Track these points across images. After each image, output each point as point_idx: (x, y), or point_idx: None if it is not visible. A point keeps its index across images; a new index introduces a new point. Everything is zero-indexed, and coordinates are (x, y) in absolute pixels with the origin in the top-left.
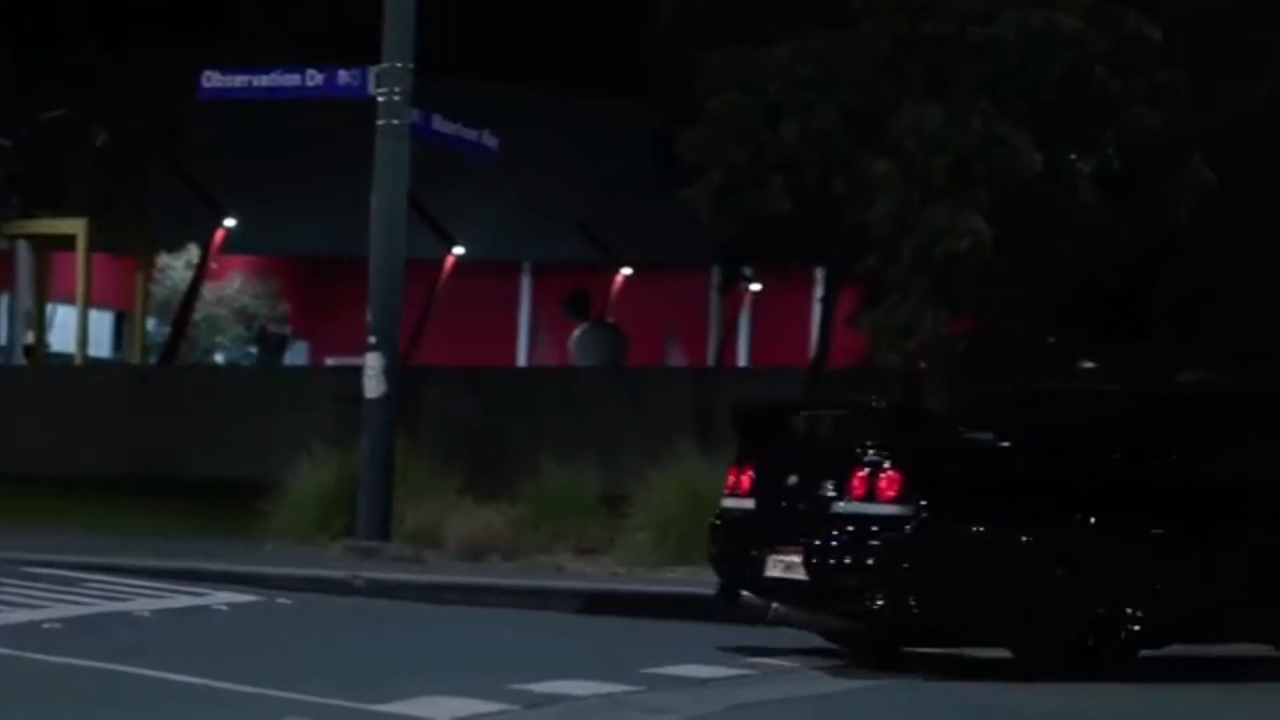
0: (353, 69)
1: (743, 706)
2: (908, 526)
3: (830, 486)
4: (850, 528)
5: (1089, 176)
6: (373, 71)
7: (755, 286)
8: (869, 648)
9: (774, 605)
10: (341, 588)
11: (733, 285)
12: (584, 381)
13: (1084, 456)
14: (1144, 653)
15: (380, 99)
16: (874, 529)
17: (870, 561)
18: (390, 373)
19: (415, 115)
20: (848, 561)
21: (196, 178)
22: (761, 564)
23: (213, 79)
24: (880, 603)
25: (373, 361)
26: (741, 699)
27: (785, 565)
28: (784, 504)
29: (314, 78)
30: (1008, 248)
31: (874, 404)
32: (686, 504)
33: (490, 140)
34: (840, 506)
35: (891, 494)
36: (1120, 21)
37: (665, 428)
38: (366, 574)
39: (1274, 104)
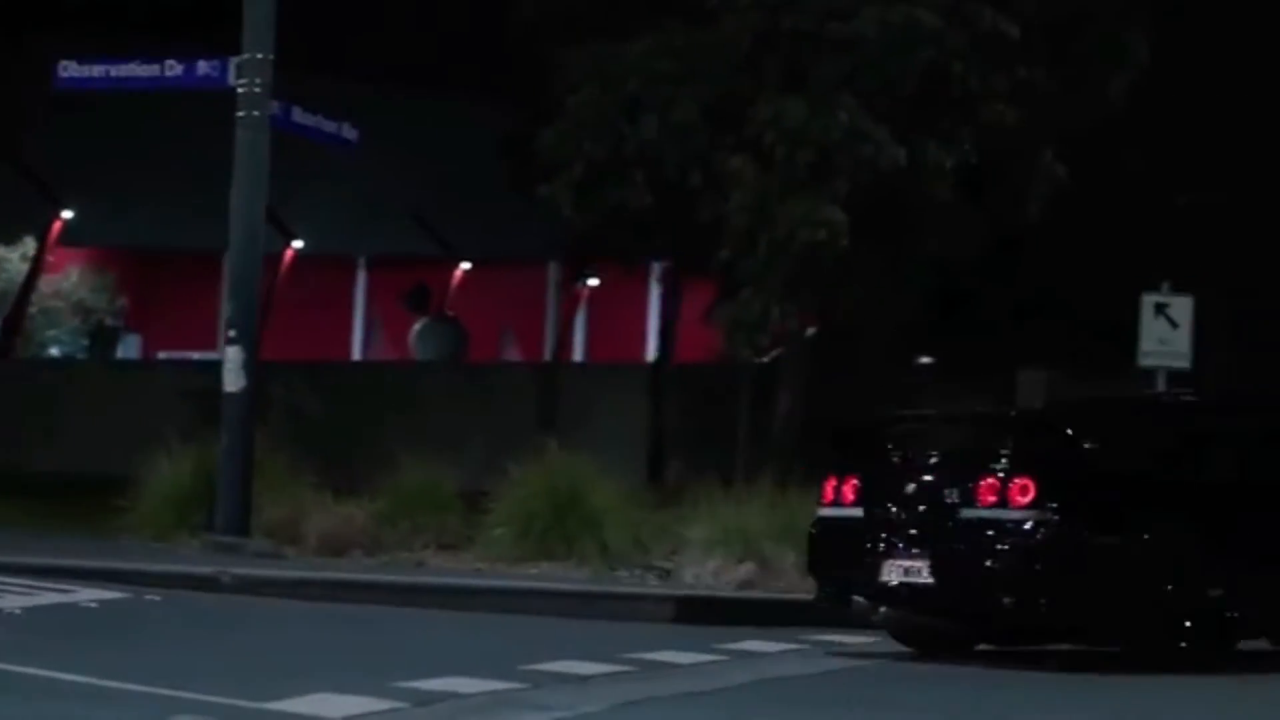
0: (212, 60)
1: (633, 703)
2: (1040, 532)
3: (956, 494)
4: (982, 533)
5: (947, 172)
6: (233, 63)
7: (593, 282)
8: (944, 646)
9: (882, 608)
10: (208, 584)
11: (576, 281)
12: (429, 376)
13: (1192, 462)
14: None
15: (240, 90)
16: (1007, 534)
17: (1003, 565)
18: (249, 367)
19: (275, 107)
20: (980, 565)
21: (34, 169)
22: (876, 569)
23: (70, 69)
24: (1011, 603)
25: (232, 355)
26: (630, 695)
27: (905, 570)
28: (900, 512)
29: (173, 68)
30: (865, 241)
31: (1008, 413)
32: (548, 500)
33: (350, 133)
34: (969, 513)
35: (1025, 501)
36: (978, 19)
37: (511, 423)
38: (234, 570)
39: (1129, 101)
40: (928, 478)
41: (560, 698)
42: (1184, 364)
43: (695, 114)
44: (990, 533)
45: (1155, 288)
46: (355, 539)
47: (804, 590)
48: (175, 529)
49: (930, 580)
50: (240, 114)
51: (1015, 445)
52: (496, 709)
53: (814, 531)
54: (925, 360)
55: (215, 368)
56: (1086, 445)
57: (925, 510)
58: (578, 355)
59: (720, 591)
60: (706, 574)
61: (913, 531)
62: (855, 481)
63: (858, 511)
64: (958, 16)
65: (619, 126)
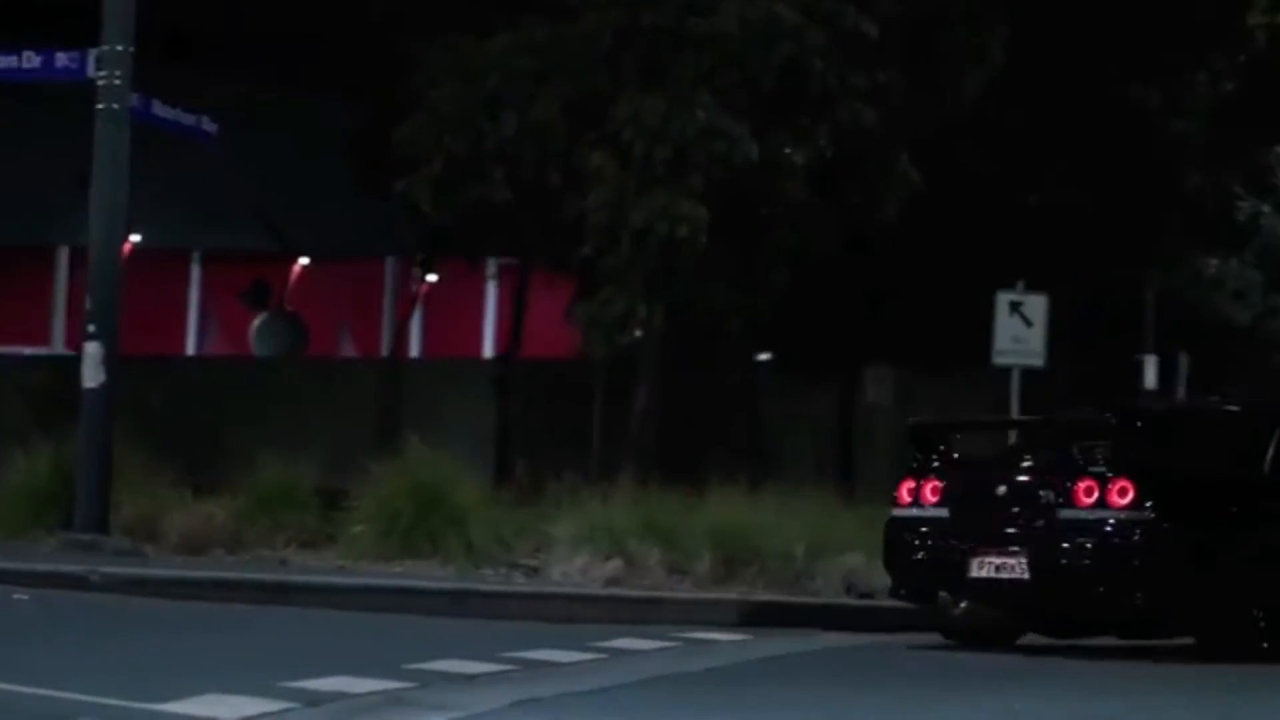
0: (71, 52)
1: (526, 702)
2: (1138, 531)
3: (1052, 495)
4: (1082, 532)
5: (803, 169)
6: (92, 54)
7: (431, 278)
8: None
9: (963, 603)
10: (77, 582)
11: (415, 277)
12: (270, 372)
13: (1266, 463)
14: None
15: (100, 82)
16: (1106, 533)
17: (1102, 562)
18: (110, 362)
19: (135, 100)
20: (1079, 562)
21: None
22: (965, 566)
23: None
24: (1107, 597)
25: (92, 351)
26: (520, 694)
27: (997, 566)
28: (992, 513)
29: (31, 60)
30: (722, 237)
31: (1106, 417)
32: (411, 497)
33: (210, 126)
34: (1068, 513)
35: (1124, 502)
36: (839, 17)
37: (356, 419)
38: (104, 569)
39: (983, 100)
40: (1021, 479)
41: (453, 697)
42: (1037, 362)
43: (555, 111)
44: (1090, 532)
45: (1010, 286)
46: (216, 537)
47: (669, 588)
48: (31, 526)
49: (1026, 576)
50: (100, 107)
51: (1114, 449)
52: (390, 708)
53: (892, 531)
54: (764, 357)
55: (48, 363)
56: (1177, 449)
57: (1020, 510)
58: (414, 351)
59: (588, 589)
60: (574, 571)
61: (1008, 530)
62: (937, 483)
63: (942, 512)
64: (818, 14)
65: (479, 123)
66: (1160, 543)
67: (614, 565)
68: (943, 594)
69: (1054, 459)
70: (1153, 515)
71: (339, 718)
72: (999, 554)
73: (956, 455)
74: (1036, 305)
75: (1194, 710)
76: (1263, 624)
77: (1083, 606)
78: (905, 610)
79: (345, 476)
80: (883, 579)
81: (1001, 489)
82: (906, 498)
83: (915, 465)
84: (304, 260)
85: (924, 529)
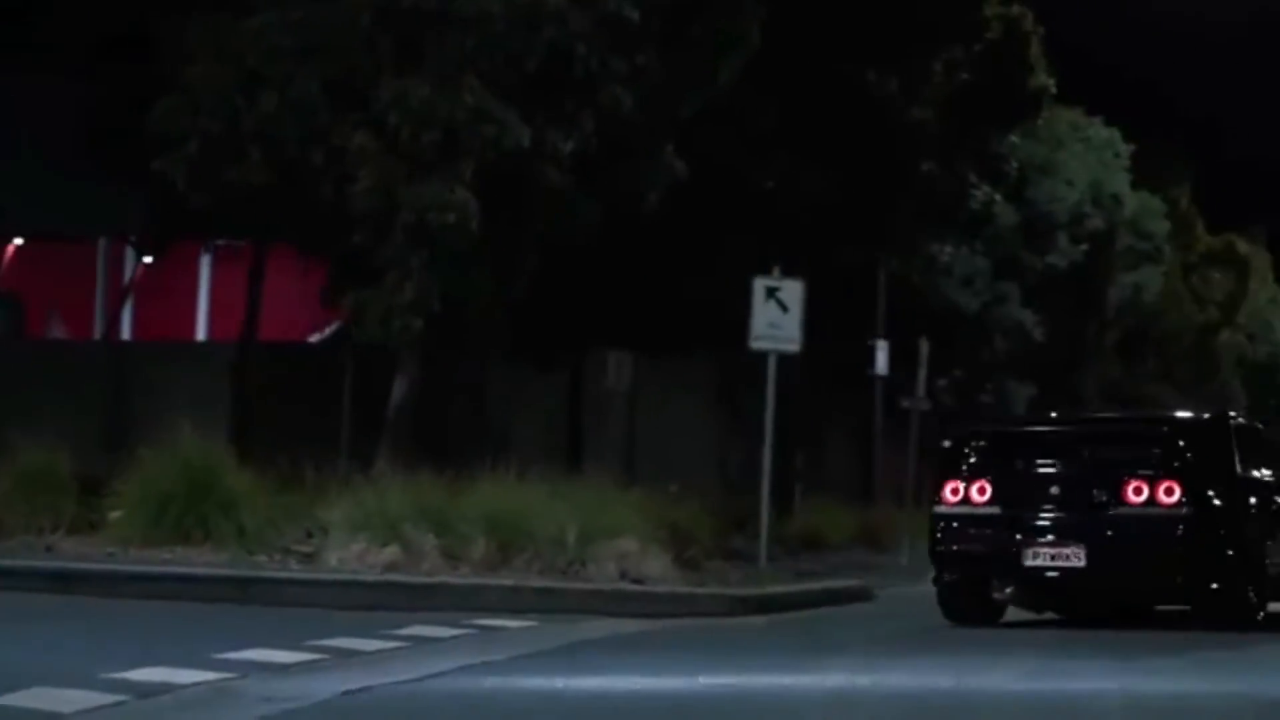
0: None
1: (355, 691)
2: (1183, 525)
3: (1105, 494)
4: (1134, 525)
5: (568, 156)
6: None
7: (147, 259)
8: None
9: (1009, 589)
10: None
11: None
12: None
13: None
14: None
15: None
16: (1155, 526)
17: (1151, 551)
18: None
19: None
20: (1131, 551)
21: None
22: (1019, 556)
23: None
24: (1155, 581)
25: None
26: (349, 683)
27: (1053, 555)
28: (1047, 508)
29: None
30: (492, 224)
31: (1158, 425)
32: (182, 482)
33: None
34: (1120, 510)
35: (1171, 500)
36: (601, 0)
37: (84, 403)
38: None
39: (738, 89)
40: (1075, 479)
41: (277, 686)
42: (794, 348)
43: (317, 91)
44: (1141, 525)
45: (752, 271)
46: None
47: (445, 573)
48: None
49: (1083, 564)
50: None
51: (1163, 454)
52: (222, 700)
53: (941, 526)
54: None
55: None
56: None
57: (1075, 507)
58: (126, 334)
59: (368, 575)
60: (350, 558)
61: (1064, 524)
62: (985, 482)
63: (993, 509)
64: None
65: (237, 102)
66: (1202, 535)
67: (391, 551)
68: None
69: (1108, 462)
70: (1195, 510)
71: (174, 711)
72: (1058, 545)
73: (1004, 459)
74: (793, 291)
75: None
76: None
77: (1131, 589)
78: (681, 595)
79: (90, 460)
80: (656, 565)
81: (1055, 489)
82: (952, 497)
83: (965, 468)
84: (18, 241)
85: (973, 524)
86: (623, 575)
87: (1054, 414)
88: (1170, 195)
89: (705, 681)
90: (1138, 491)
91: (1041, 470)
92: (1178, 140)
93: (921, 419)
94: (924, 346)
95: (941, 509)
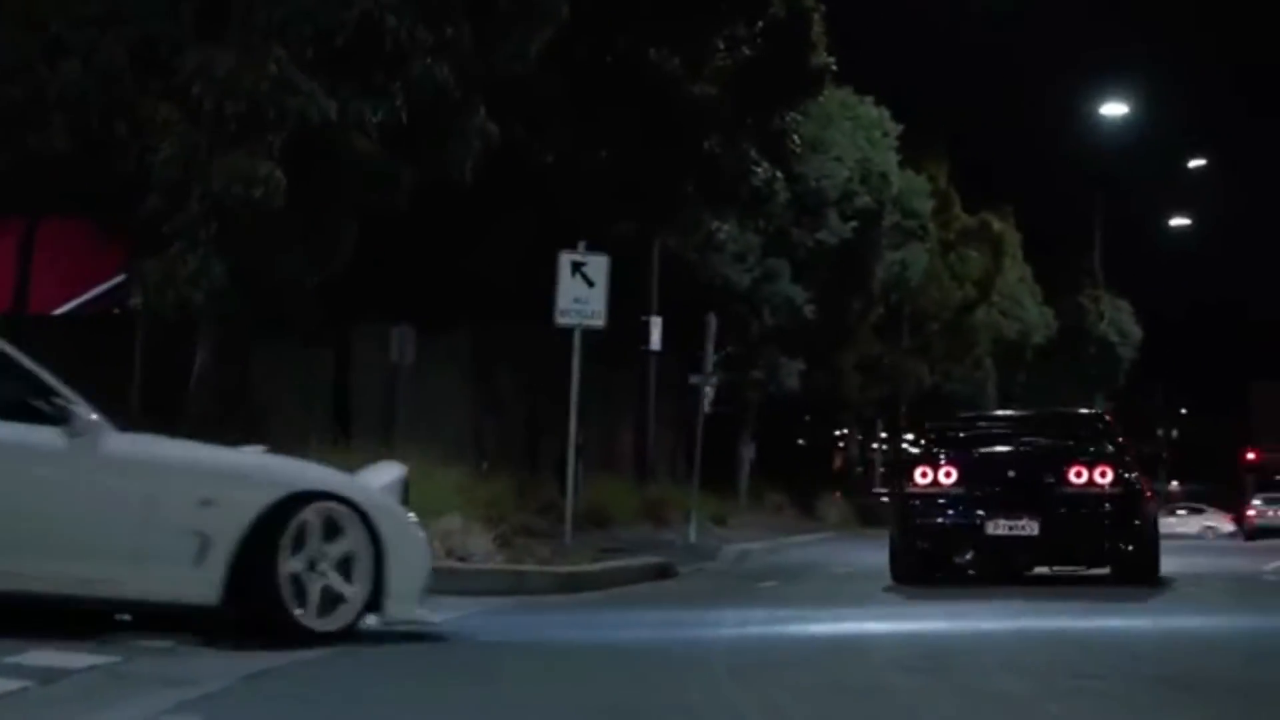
0: None
1: (257, 675)
2: (1114, 501)
3: (1053, 475)
4: (1078, 501)
5: (377, 127)
6: None
7: None
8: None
9: (969, 553)
10: None
11: None
12: None
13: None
14: None
15: None
16: (1094, 502)
17: (1092, 521)
18: None
19: None
20: (1075, 521)
21: None
22: (983, 527)
23: None
24: (1094, 544)
25: None
26: (252, 666)
27: (1011, 526)
28: (1005, 488)
29: None
30: (298, 197)
31: (1088, 418)
32: None
33: None
34: (1064, 489)
35: (1105, 481)
36: None
37: None
38: None
39: (546, 60)
40: (1028, 463)
41: (175, 670)
42: (599, 323)
43: (122, 59)
44: (1083, 501)
45: (545, 247)
46: None
47: None
48: None
49: (1037, 533)
50: None
51: (1097, 443)
52: (123, 685)
53: (914, 504)
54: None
55: None
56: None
57: (1029, 486)
58: None
59: None
60: None
61: (1020, 500)
62: (951, 467)
63: (960, 489)
64: None
65: (40, 70)
66: (1129, 507)
67: None
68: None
69: (1052, 449)
70: (1122, 489)
71: (80, 693)
72: (1015, 517)
73: (963, 446)
74: (599, 266)
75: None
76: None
77: (1074, 552)
78: (509, 573)
79: None
80: (479, 543)
81: (1012, 472)
82: (921, 479)
83: (929, 453)
84: None
85: (940, 501)
86: (449, 553)
87: (1003, 410)
88: (930, 174)
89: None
90: (1079, 474)
91: (998, 456)
92: (935, 120)
93: (682, 395)
94: (712, 322)
95: (912, 489)
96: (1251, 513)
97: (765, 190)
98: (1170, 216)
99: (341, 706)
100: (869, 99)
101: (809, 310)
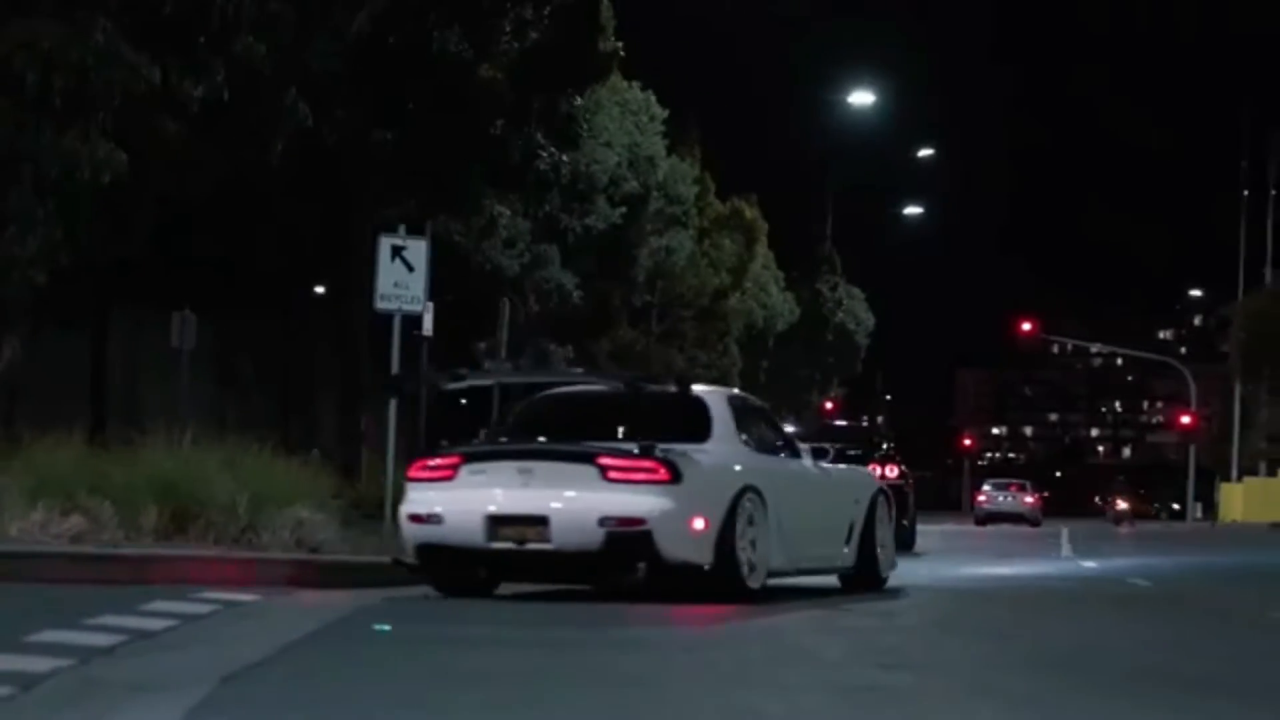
0: None
1: (232, 678)
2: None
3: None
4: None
5: (198, 103)
6: None
7: None
8: None
9: None
10: None
11: None
12: None
13: None
14: None
15: None
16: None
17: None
18: None
19: None
20: None
21: None
22: None
23: None
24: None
25: None
26: (221, 668)
27: None
28: None
29: None
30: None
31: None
32: None
33: None
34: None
35: (896, 474)
36: None
37: None
38: None
39: (370, 38)
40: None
41: (143, 673)
42: (419, 308)
43: None
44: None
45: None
46: None
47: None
48: None
49: None
50: None
51: (883, 447)
52: (106, 690)
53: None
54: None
55: None
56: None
57: None
58: None
59: (55, 546)
60: (32, 528)
61: None
62: None
63: None
64: None
65: None
66: (908, 496)
67: (75, 521)
68: None
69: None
70: (904, 481)
71: (65, 701)
72: None
73: None
74: (419, 250)
75: None
76: None
77: None
78: (366, 565)
79: None
80: (328, 533)
81: None
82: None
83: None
84: None
85: None
86: (298, 544)
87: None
88: (690, 160)
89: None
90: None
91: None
92: (688, 105)
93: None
94: (505, 308)
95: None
96: (982, 498)
97: (551, 175)
98: (902, 205)
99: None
100: (636, 84)
101: (578, 296)
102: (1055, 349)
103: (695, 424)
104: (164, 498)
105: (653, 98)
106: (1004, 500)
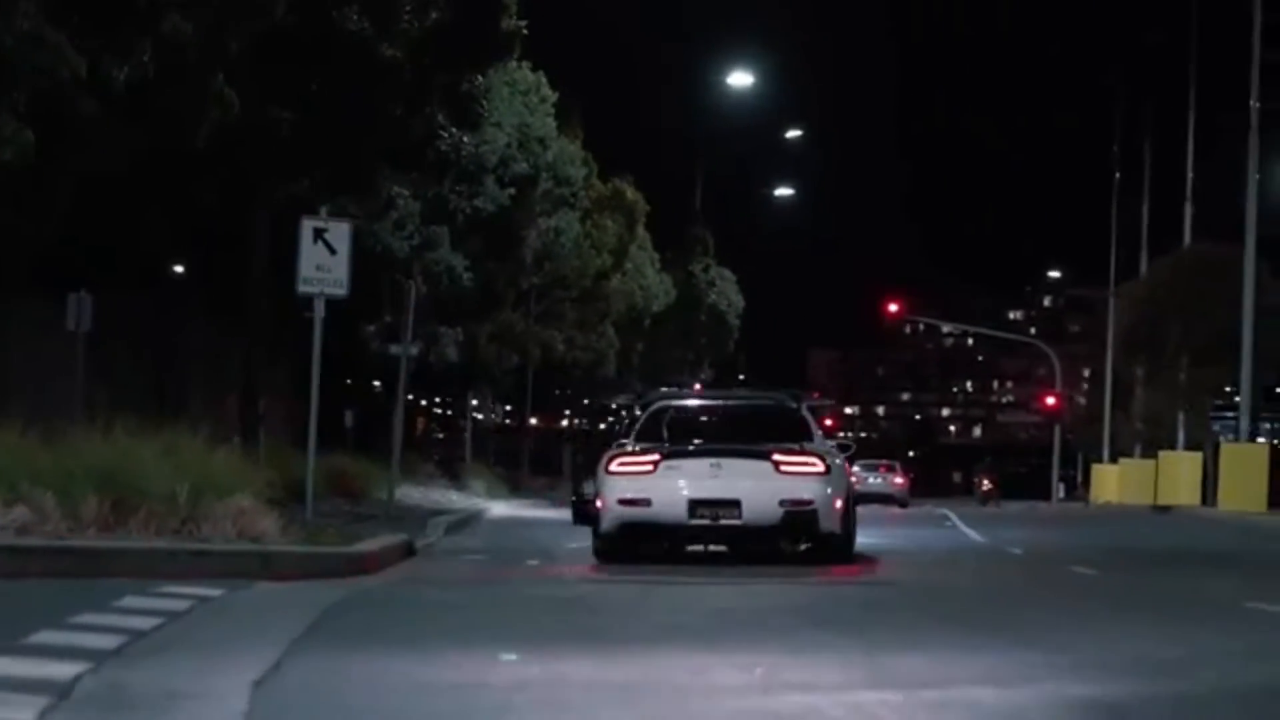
0: None
1: (264, 680)
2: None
3: None
4: None
5: (123, 85)
6: None
7: None
8: None
9: None
10: None
11: None
12: None
13: None
14: None
15: None
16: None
17: None
18: None
19: None
20: None
21: None
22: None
23: None
24: None
25: None
26: (253, 669)
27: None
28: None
29: None
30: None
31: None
32: None
33: None
34: None
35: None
36: None
37: None
38: None
39: (294, 19)
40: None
41: (180, 679)
42: (341, 291)
43: None
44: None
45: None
46: None
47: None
48: None
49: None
50: None
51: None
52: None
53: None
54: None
55: None
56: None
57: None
58: None
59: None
60: None
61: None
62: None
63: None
64: None
65: None
66: (842, 484)
67: (20, 512)
68: None
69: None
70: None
71: (108, 710)
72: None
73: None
74: (340, 232)
75: None
76: None
77: None
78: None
79: None
80: (268, 523)
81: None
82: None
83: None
84: None
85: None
86: (240, 534)
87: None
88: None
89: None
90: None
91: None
92: (573, 85)
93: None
94: (412, 289)
95: (614, 467)
96: (852, 479)
97: (452, 155)
98: (773, 187)
99: None
100: (527, 64)
101: (468, 278)
102: (907, 329)
103: (798, 429)
104: (104, 488)
105: (543, 78)
106: (874, 481)
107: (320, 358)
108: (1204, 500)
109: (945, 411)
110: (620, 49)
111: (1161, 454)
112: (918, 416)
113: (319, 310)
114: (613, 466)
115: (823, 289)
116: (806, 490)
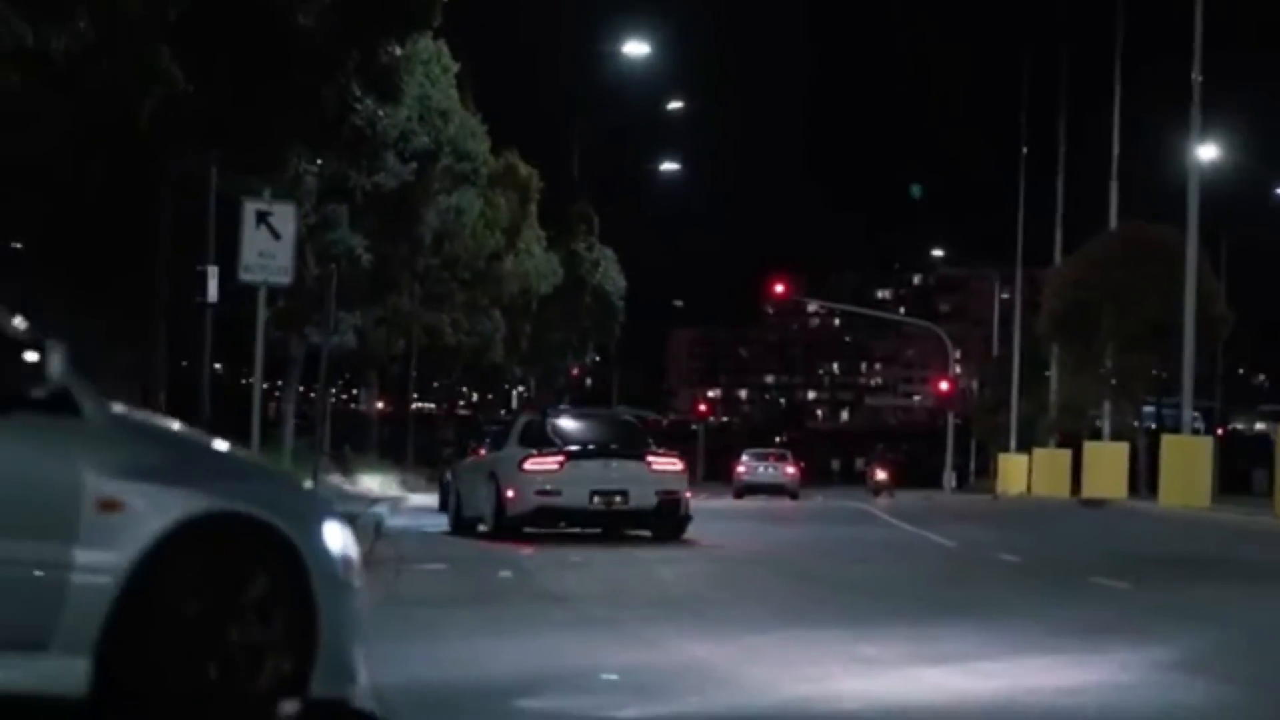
0: None
1: None
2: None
3: None
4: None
5: (63, 55)
6: None
7: None
8: None
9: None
10: None
11: None
12: None
13: None
14: None
15: None
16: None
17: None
18: None
19: None
20: None
21: None
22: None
23: None
24: None
25: None
26: None
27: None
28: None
29: None
30: None
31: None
32: None
33: None
34: None
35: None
36: None
37: None
38: None
39: None
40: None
41: None
42: (285, 279)
43: None
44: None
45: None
46: None
47: None
48: None
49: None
50: None
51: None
52: None
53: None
54: None
55: None
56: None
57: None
58: None
59: None
60: None
61: None
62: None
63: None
64: None
65: None
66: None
67: None
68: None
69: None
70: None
71: None
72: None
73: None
74: (285, 215)
75: None
76: None
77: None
78: None
79: None
80: None
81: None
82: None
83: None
84: None
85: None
86: None
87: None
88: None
89: None
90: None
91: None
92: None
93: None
94: (334, 275)
95: (529, 465)
96: (742, 469)
97: (369, 130)
98: (657, 162)
99: None
100: (427, 33)
101: (367, 260)
102: (770, 309)
103: (644, 438)
104: None
105: (444, 47)
106: (764, 471)
107: (262, 353)
108: (1132, 493)
109: (811, 395)
110: (507, 11)
111: (1087, 445)
112: (783, 400)
113: (262, 305)
114: (526, 465)
115: (696, 267)
116: (674, 483)
